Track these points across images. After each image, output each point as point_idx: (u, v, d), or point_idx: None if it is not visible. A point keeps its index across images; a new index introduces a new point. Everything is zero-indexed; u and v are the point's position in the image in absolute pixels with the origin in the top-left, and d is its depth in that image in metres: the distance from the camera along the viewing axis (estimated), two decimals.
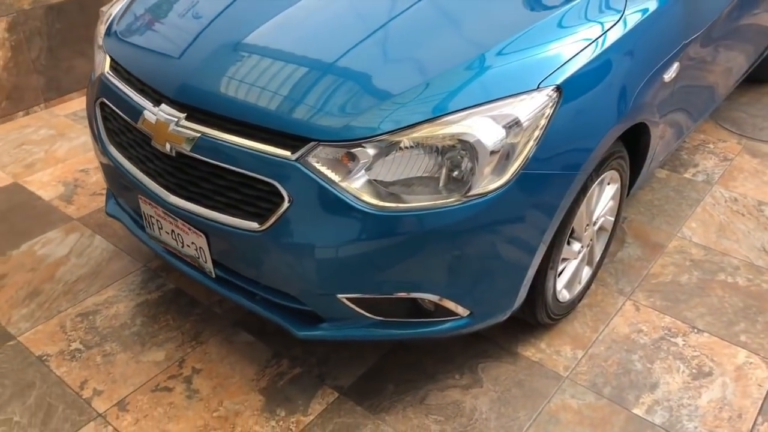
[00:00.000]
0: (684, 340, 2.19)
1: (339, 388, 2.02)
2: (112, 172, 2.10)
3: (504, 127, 1.63)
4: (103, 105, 2.10)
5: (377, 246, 1.66)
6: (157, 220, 1.96)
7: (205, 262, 1.90)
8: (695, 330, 2.23)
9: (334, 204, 1.64)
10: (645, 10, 2.00)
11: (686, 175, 3.04)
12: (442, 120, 1.63)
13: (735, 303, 2.34)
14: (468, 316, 1.83)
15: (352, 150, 1.63)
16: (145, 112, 1.86)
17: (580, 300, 2.30)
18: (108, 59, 2.13)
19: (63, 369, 2.08)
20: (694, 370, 2.08)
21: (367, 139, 1.62)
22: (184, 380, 2.04)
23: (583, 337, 2.19)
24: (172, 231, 1.92)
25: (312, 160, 1.64)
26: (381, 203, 1.63)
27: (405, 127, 1.62)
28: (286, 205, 1.66)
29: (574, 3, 1.92)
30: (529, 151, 1.66)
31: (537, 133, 1.67)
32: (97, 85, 2.13)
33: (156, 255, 2.20)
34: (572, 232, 2.05)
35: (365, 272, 1.70)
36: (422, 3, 1.95)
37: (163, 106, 1.84)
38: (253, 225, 1.71)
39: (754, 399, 1.99)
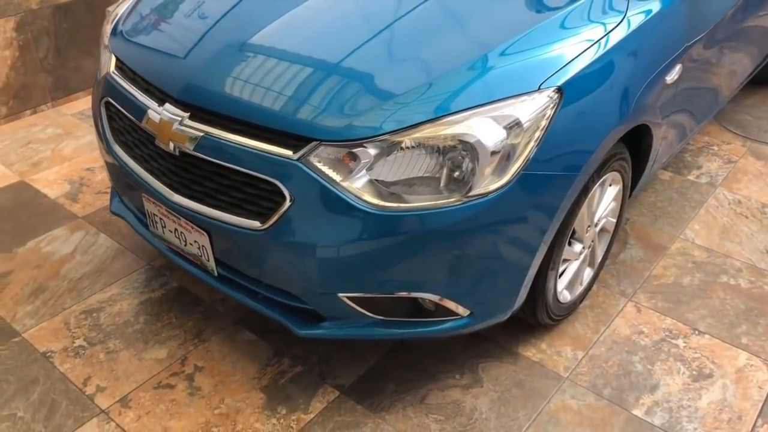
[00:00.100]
0: (685, 342, 2.19)
1: (340, 387, 2.03)
2: (117, 170, 2.12)
3: (505, 127, 1.64)
4: (108, 104, 2.12)
5: (378, 245, 1.67)
6: (161, 219, 1.97)
7: (208, 261, 1.91)
8: (696, 332, 2.23)
9: (336, 203, 1.65)
10: (648, 12, 2.00)
11: (690, 177, 3.04)
12: (444, 120, 1.64)
13: (737, 305, 2.34)
14: (468, 316, 1.83)
15: (354, 150, 1.64)
16: (150, 112, 1.88)
17: (581, 301, 2.30)
18: (113, 59, 2.15)
19: (67, 365, 2.10)
20: (694, 372, 2.08)
21: (369, 139, 1.64)
22: (186, 377, 2.06)
23: (584, 338, 2.20)
24: (176, 229, 1.94)
25: (313, 160, 1.65)
26: (382, 203, 1.64)
27: (406, 127, 1.63)
28: (287, 204, 1.67)
29: (576, 4, 1.93)
30: (529, 152, 1.67)
31: (538, 134, 1.68)
32: (102, 85, 2.15)
33: (160, 253, 2.21)
34: (573, 233, 2.05)
35: (366, 272, 1.71)
36: (426, 4, 1.96)
37: (167, 105, 1.85)
38: (255, 224, 1.72)
39: (754, 401, 1.99)
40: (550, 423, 1.92)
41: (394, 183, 1.65)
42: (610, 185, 2.18)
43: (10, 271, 2.50)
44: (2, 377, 2.06)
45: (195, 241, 1.90)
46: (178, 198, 1.86)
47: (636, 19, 1.96)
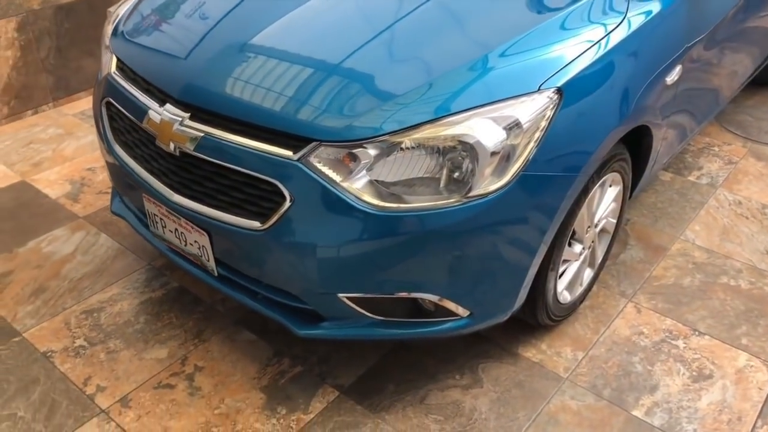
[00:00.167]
0: (685, 343, 2.19)
1: (339, 387, 2.03)
2: (118, 171, 2.12)
3: (504, 128, 1.64)
4: (109, 104, 2.13)
5: (378, 246, 1.67)
6: (161, 219, 1.98)
7: (208, 261, 1.92)
8: (696, 333, 2.23)
9: (335, 204, 1.65)
10: (648, 13, 2.00)
11: (690, 178, 3.04)
12: (444, 121, 1.64)
13: (737, 306, 2.34)
14: (468, 316, 1.83)
15: (354, 150, 1.64)
16: (150, 112, 1.88)
17: (581, 301, 2.30)
18: (114, 59, 2.15)
19: (67, 365, 2.10)
20: (694, 373, 2.08)
21: (369, 139, 1.64)
22: (186, 377, 2.06)
23: (584, 339, 2.20)
24: (176, 229, 1.94)
25: (313, 160, 1.66)
26: (382, 203, 1.64)
27: (406, 127, 1.64)
28: (287, 204, 1.67)
29: (577, 5, 1.93)
30: (529, 152, 1.67)
31: (537, 134, 1.68)
32: (103, 85, 2.15)
33: (160, 253, 2.22)
34: (573, 233, 2.05)
35: (366, 272, 1.72)
36: (426, 5, 1.96)
37: (168, 105, 1.85)
38: (255, 224, 1.73)
39: (754, 402, 1.99)
40: (550, 423, 1.93)
41: (394, 183, 1.66)
42: (610, 186, 2.18)
43: (11, 271, 2.51)
44: (3, 377, 2.06)
45: (195, 241, 1.91)
46: (178, 198, 1.86)
47: (636, 20, 1.96)
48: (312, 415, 1.95)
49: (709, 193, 2.94)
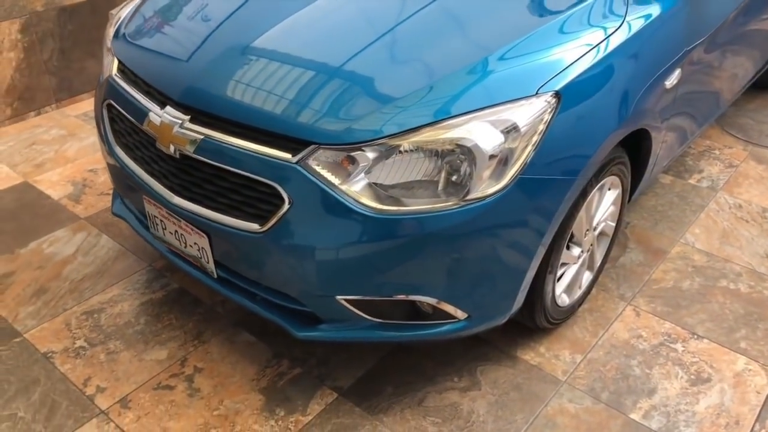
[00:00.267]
0: (683, 346, 2.19)
1: (338, 389, 2.04)
2: (118, 172, 2.13)
3: (502, 132, 1.65)
4: (110, 106, 2.14)
5: (376, 248, 1.68)
6: (161, 221, 1.99)
7: (207, 263, 1.93)
8: (695, 336, 2.23)
9: (334, 206, 1.66)
10: (647, 16, 2.01)
11: (691, 181, 3.04)
12: (442, 124, 1.65)
13: (736, 310, 2.34)
14: (466, 319, 1.84)
15: (352, 153, 1.65)
16: (150, 114, 1.89)
17: (580, 304, 2.30)
18: (115, 61, 2.17)
19: (67, 366, 2.11)
20: (692, 376, 2.08)
21: (367, 142, 1.64)
22: (186, 379, 2.07)
23: (583, 342, 2.20)
24: (176, 231, 1.95)
25: (312, 163, 1.66)
26: (380, 206, 1.65)
27: (405, 131, 1.64)
28: (286, 207, 1.68)
29: (576, 8, 1.94)
30: (527, 156, 1.68)
31: (535, 138, 1.68)
32: (104, 87, 2.16)
33: (161, 255, 2.23)
34: (572, 236, 2.06)
35: (364, 275, 1.72)
36: (428, 8, 1.97)
37: (168, 108, 1.86)
38: (254, 226, 1.73)
39: (752, 406, 1.99)
40: (548, 426, 1.93)
41: (393, 186, 1.66)
42: (609, 189, 2.18)
43: (13, 271, 2.52)
44: (3, 377, 2.08)
45: (195, 243, 1.92)
46: (178, 200, 1.87)
47: (635, 23, 1.96)
48: (310, 417, 1.95)
49: (710, 196, 2.94)
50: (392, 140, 1.64)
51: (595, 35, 1.87)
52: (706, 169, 3.13)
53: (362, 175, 1.66)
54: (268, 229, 1.71)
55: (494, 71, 1.74)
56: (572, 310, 2.25)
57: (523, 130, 1.66)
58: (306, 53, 1.86)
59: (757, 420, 1.95)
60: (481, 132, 1.63)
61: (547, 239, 1.83)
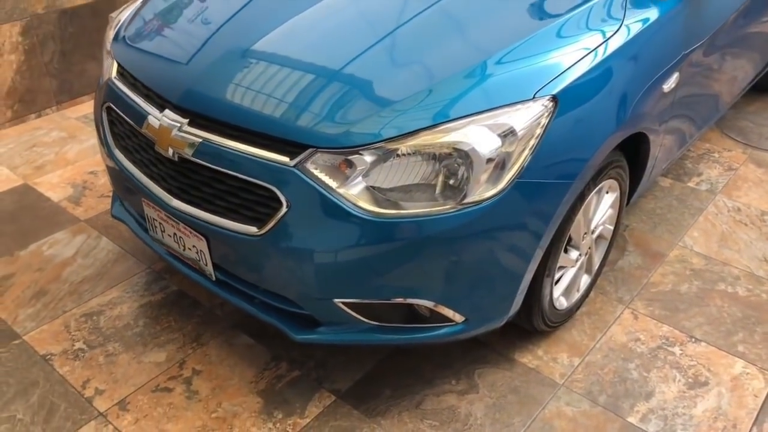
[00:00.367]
0: (681, 350, 2.19)
1: (336, 392, 2.04)
2: (118, 175, 2.14)
3: (499, 136, 1.65)
4: (109, 109, 2.14)
5: (373, 252, 1.68)
6: (160, 223, 1.99)
7: (206, 265, 1.93)
8: (693, 339, 2.23)
9: (331, 210, 1.66)
10: (645, 20, 2.01)
11: (690, 184, 3.04)
12: (440, 128, 1.65)
13: (734, 313, 2.34)
14: (463, 322, 1.84)
15: (350, 157, 1.66)
16: (149, 117, 1.90)
17: (578, 308, 2.31)
18: (115, 65, 2.17)
19: (66, 368, 2.12)
20: (690, 380, 2.09)
21: (365, 146, 1.65)
22: (184, 381, 2.08)
23: (581, 345, 2.20)
24: (174, 234, 1.96)
25: (310, 167, 1.67)
26: (377, 209, 1.65)
27: (403, 134, 1.65)
28: (284, 210, 1.69)
29: (574, 12, 1.94)
30: (524, 160, 1.68)
31: (532, 142, 1.69)
32: (104, 90, 2.17)
33: (160, 257, 2.23)
34: (569, 240, 2.06)
35: (361, 278, 1.73)
36: (427, 12, 1.97)
37: (167, 111, 1.87)
38: (252, 229, 1.74)
39: (749, 409, 1.99)
40: (545, 430, 1.93)
41: (390, 190, 1.67)
42: (607, 193, 2.19)
43: (12, 273, 2.53)
44: (2, 379, 2.08)
45: (193, 246, 1.92)
46: (176, 203, 1.88)
47: (633, 27, 1.97)
48: (308, 420, 1.96)
49: (709, 199, 2.94)
50: (390, 144, 1.65)
51: (592, 39, 1.88)
52: (705, 172, 3.14)
53: (360, 178, 1.66)
54: (266, 232, 1.71)
55: (492, 75, 1.75)
56: (570, 313, 2.25)
57: (520, 134, 1.67)
58: (304, 57, 1.87)
59: (754, 423, 1.95)
60: (478, 136, 1.64)
61: (545, 243, 1.83)
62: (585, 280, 2.29)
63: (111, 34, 2.33)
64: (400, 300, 1.77)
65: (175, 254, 2.04)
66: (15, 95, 3.58)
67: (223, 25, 2.06)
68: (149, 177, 1.98)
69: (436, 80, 1.74)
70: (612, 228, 2.32)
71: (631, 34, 1.95)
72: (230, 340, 2.22)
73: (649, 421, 1.95)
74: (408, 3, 2.02)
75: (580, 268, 2.20)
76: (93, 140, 3.45)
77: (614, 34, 1.92)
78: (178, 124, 1.82)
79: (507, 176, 1.67)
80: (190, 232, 1.89)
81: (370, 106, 1.70)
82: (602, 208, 2.18)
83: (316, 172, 1.67)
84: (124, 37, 2.23)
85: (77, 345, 2.21)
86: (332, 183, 1.66)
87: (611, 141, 1.90)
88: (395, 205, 1.66)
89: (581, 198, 1.93)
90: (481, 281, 1.79)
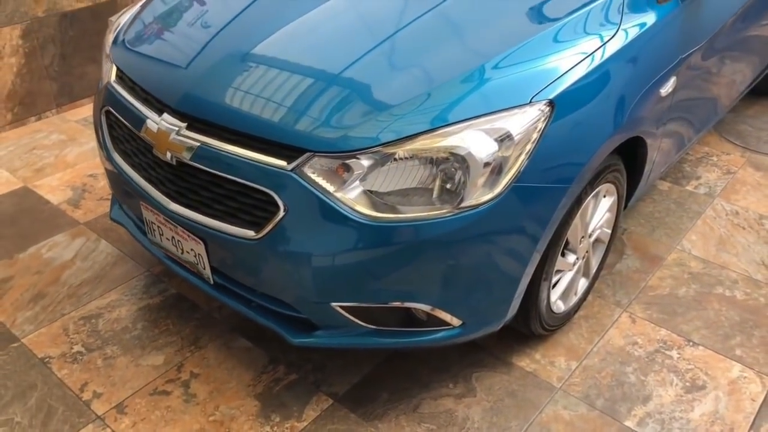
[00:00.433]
0: (679, 353, 2.19)
1: (334, 395, 2.05)
2: (116, 178, 2.14)
3: (496, 140, 1.65)
4: (108, 113, 2.15)
5: (370, 256, 1.69)
6: (158, 227, 2.00)
7: (204, 269, 1.94)
8: (690, 343, 2.23)
9: (329, 214, 1.67)
10: (642, 25, 2.02)
11: (688, 188, 3.05)
12: (437, 132, 1.65)
13: (732, 317, 2.34)
14: (460, 326, 1.85)
15: (347, 161, 1.66)
16: (148, 121, 1.91)
17: (576, 311, 2.31)
18: (114, 68, 2.18)
19: (64, 371, 2.12)
20: (687, 384, 2.09)
21: (362, 150, 1.65)
22: (182, 384, 2.08)
23: (578, 349, 2.21)
24: (173, 237, 1.96)
25: (307, 171, 1.67)
26: (374, 213, 1.66)
27: (400, 138, 1.65)
28: (281, 214, 1.69)
29: (571, 17, 1.94)
30: (520, 164, 1.69)
31: (529, 146, 1.69)
32: (103, 94, 2.18)
33: (159, 260, 2.24)
34: (567, 243, 2.07)
35: (358, 281, 1.73)
36: (426, 16, 1.97)
37: (165, 115, 1.88)
38: (250, 233, 1.75)
39: (746, 413, 1.99)
40: None
41: (388, 194, 1.67)
42: (605, 196, 2.19)
43: (11, 276, 2.53)
44: (1, 382, 2.09)
45: (191, 250, 1.93)
46: (174, 206, 1.88)
47: (630, 31, 1.97)
48: (305, 423, 1.96)
49: (707, 202, 2.95)
50: (387, 148, 1.65)
51: (589, 43, 1.88)
52: (704, 175, 3.14)
53: (357, 182, 1.67)
54: (264, 236, 1.72)
55: (489, 79, 1.75)
56: (568, 316, 2.26)
57: (516, 138, 1.67)
58: (302, 61, 1.87)
59: (751, 428, 1.95)
60: (475, 140, 1.64)
61: (542, 246, 1.83)
62: (582, 283, 2.29)
63: (110, 37, 2.34)
64: (397, 304, 1.77)
65: (174, 257, 2.04)
66: (15, 98, 3.59)
67: (222, 29, 2.07)
68: (147, 180, 1.98)
69: (434, 84, 1.74)
70: (609, 232, 2.32)
71: (628, 39, 1.96)
72: (228, 343, 2.23)
73: (647, 425, 1.95)
74: (407, 7, 2.03)
75: (577, 272, 2.20)
76: (93, 143, 3.46)
77: (611, 38, 1.92)
78: (176, 128, 1.83)
79: (504, 180, 1.68)
80: (188, 236, 1.90)
81: (368, 110, 1.71)
82: (599, 211, 2.18)
83: (314, 176, 1.67)
84: (123, 40, 2.24)
85: (75, 348, 2.21)
86: (329, 187, 1.67)
87: (608, 145, 1.90)
88: (392, 209, 1.67)
89: (578, 202, 1.93)
90: (478, 285, 1.79)
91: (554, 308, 2.14)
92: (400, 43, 1.89)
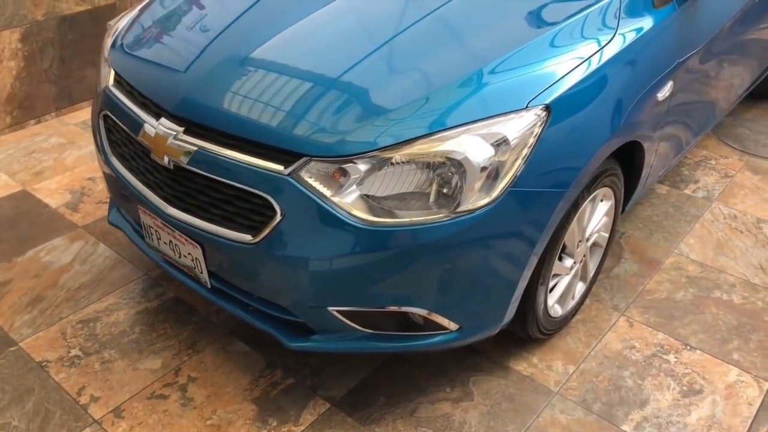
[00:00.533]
0: (676, 357, 2.19)
1: (331, 399, 2.05)
2: (114, 182, 2.15)
3: (492, 145, 1.66)
4: (106, 117, 2.16)
5: (367, 260, 1.69)
6: (156, 231, 2.00)
7: (201, 273, 1.94)
8: (688, 347, 2.23)
9: (326, 218, 1.67)
10: (639, 30, 2.02)
11: (686, 191, 3.05)
12: (434, 137, 1.66)
13: (729, 321, 2.34)
14: (457, 330, 1.85)
15: (344, 166, 1.66)
16: (146, 126, 1.91)
17: (573, 315, 2.31)
18: (112, 72, 2.18)
19: (62, 375, 2.12)
20: (684, 388, 2.09)
21: (359, 154, 1.66)
22: (180, 388, 2.08)
23: (576, 353, 2.21)
24: (170, 241, 1.97)
25: (304, 175, 1.68)
26: (371, 218, 1.66)
27: (397, 143, 1.65)
28: (278, 218, 1.69)
29: (568, 22, 1.95)
30: (517, 169, 1.69)
31: (525, 151, 1.70)
32: (101, 98, 2.18)
33: (156, 264, 2.24)
34: (564, 247, 2.07)
35: (355, 286, 1.73)
36: (424, 21, 1.98)
37: (163, 120, 1.88)
38: (247, 237, 1.75)
39: (743, 418, 1.99)
40: None
41: (385, 198, 1.67)
42: (602, 201, 2.19)
43: (9, 280, 2.54)
44: None
45: (189, 254, 1.93)
46: (172, 210, 1.88)
47: (626, 36, 1.98)
48: (303, 427, 1.96)
49: (705, 206, 2.95)
50: (384, 152, 1.65)
51: (586, 48, 1.88)
52: (702, 179, 3.14)
53: (354, 187, 1.67)
54: (261, 240, 1.72)
55: (486, 84, 1.76)
56: (565, 320, 2.26)
57: (513, 143, 1.67)
58: (300, 66, 1.88)
59: None
60: (471, 145, 1.65)
61: (539, 251, 1.84)
62: (580, 287, 2.29)
63: (109, 41, 2.34)
64: (394, 308, 1.77)
65: (171, 261, 2.04)
66: (14, 101, 3.60)
67: (220, 34, 2.07)
68: (145, 185, 1.98)
69: (432, 89, 1.74)
70: (607, 236, 2.32)
71: (625, 43, 1.96)
72: (226, 347, 2.23)
73: (644, 429, 1.95)
74: (406, 12, 2.03)
75: (574, 276, 2.21)
76: (92, 146, 3.46)
77: (608, 43, 1.93)
78: (174, 133, 1.83)
79: (500, 185, 1.68)
80: (186, 240, 1.90)
81: (365, 114, 1.71)
82: (597, 216, 2.19)
83: (311, 181, 1.67)
84: (121, 44, 2.25)
85: (73, 352, 2.21)
86: (326, 191, 1.67)
87: (605, 149, 1.90)
88: (389, 214, 1.67)
89: (575, 206, 1.93)
90: (475, 289, 1.79)
91: (551, 312, 2.14)
92: (398, 47, 1.90)
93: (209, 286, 1.96)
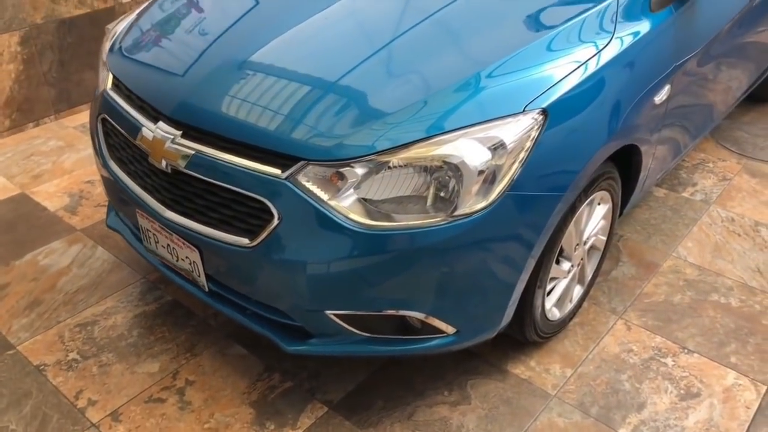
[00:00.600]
0: (674, 361, 2.19)
1: (329, 403, 2.05)
2: (112, 186, 2.15)
3: (489, 149, 1.66)
4: (104, 121, 2.16)
5: (364, 264, 1.69)
6: (154, 234, 2.00)
7: (199, 276, 1.94)
8: (685, 350, 2.23)
9: (323, 222, 1.67)
10: (635, 33, 2.02)
11: (684, 194, 3.05)
12: (432, 141, 1.66)
13: (727, 324, 2.34)
14: (455, 333, 1.85)
15: (341, 169, 1.67)
16: (143, 129, 1.91)
17: (571, 318, 2.31)
18: (110, 76, 2.19)
19: (59, 379, 2.12)
20: (682, 391, 2.09)
21: (357, 158, 1.66)
22: (177, 392, 2.08)
23: (573, 356, 2.21)
24: (168, 245, 1.97)
25: (301, 179, 1.68)
26: (368, 221, 1.66)
27: (395, 147, 1.66)
28: (275, 222, 1.69)
29: (565, 25, 1.95)
30: (514, 172, 1.69)
31: (522, 155, 1.70)
32: (99, 101, 2.19)
33: (155, 268, 2.24)
34: (561, 251, 2.07)
35: (353, 290, 1.73)
36: (422, 24, 1.98)
37: (161, 123, 1.88)
38: (244, 241, 1.75)
39: (741, 421, 1.99)
40: None
41: (382, 202, 1.68)
42: (599, 204, 2.19)
43: (8, 283, 2.54)
44: None
45: (186, 257, 1.93)
46: (170, 214, 1.89)
47: (624, 40, 1.98)
48: (301, 431, 1.96)
49: (703, 209, 2.95)
50: (381, 156, 1.66)
51: (583, 52, 1.89)
52: (700, 182, 3.15)
53: (351, 190, 1.67)
54: (258, 243, 1.72)
55: (484, 88, 1.76)
56: (563, 323, 2.26)
57: (509, 147, 1.67)
58: (298, 70, 1.88)
59: None
60: (468, 149, 1.65)
61: (536, 254, 1.84)
62: (578, 290, 2.29)
63: (107, 45, 2.35)
64: (391, 312, 1.77)
65: (169, 265, 2.04)
66: (13, 104, 3.60)
67: (218, 38, 2.07)
68: (143, 188, 1.99)
69: (429, 92, 1.75)
70: (605, 239, 2.33)
71: (622, 47, 1.96)
72: (224, 350, 2.23)
73: None
74: (404, 16, 2.04)
75: (572, 279, 2.21)
76: (90, 149, 3.46)
77: (605, 46, 1.93)
78: (172, 136, 1.84)
79: (497, 189, 1.68)
80: (183, 243, 1.90)
81: (363, 118, 1.71)
82: (594, 219, 2.19)
83: (308, 185, 1.68)
84: (119, 48, 2.25)
85: (71, 355, 2.21)
86: (324, 195, 1.67)
87: (602, 153, 1.90)
88: (387, 217, 1.67)
89: (572, 210, 1.94)
90: (472, 293, 1.79)
91: (549, 315, 2.14)
92: (396, 51, 1.90)
93: (207, 289, 1.97)
